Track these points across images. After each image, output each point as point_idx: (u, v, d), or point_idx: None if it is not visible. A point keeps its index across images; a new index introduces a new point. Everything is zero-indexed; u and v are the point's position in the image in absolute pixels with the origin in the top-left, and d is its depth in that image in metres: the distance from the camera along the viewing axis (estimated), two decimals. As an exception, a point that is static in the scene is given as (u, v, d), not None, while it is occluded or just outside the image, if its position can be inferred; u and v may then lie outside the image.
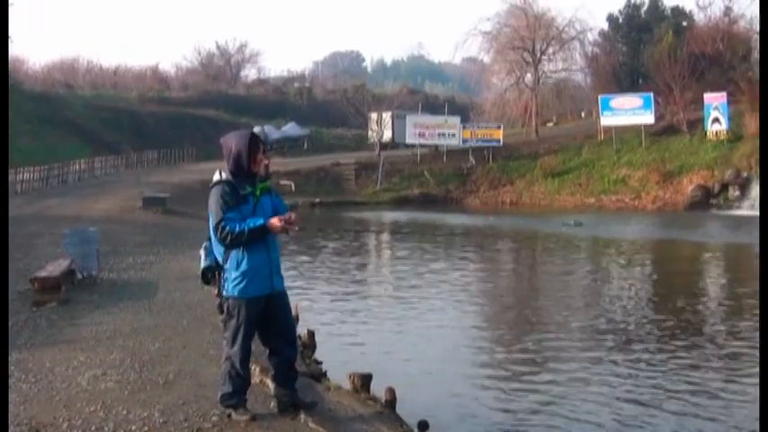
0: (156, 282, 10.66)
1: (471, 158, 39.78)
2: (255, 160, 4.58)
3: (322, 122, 58.15)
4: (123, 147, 43.19)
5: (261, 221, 4.50)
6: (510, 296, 13.40)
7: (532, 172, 37.91)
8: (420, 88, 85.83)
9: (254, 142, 4.61)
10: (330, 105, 61.81)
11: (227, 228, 4.46)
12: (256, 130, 46.34)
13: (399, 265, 16.66)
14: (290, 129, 49.88)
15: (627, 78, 44.37)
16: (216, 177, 4.64)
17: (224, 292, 4.63)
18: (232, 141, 4.59)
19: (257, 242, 4.54)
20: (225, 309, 4.65)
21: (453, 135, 40.55)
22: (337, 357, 8.21)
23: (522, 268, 17.32)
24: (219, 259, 4.64)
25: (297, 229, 4.61)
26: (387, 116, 44.66)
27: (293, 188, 34.06)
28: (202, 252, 4.71)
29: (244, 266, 4.56)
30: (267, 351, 4.90)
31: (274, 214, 4.64)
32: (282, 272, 4.80)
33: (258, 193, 4.63)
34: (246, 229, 4.47)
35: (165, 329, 7.61)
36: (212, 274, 4.65)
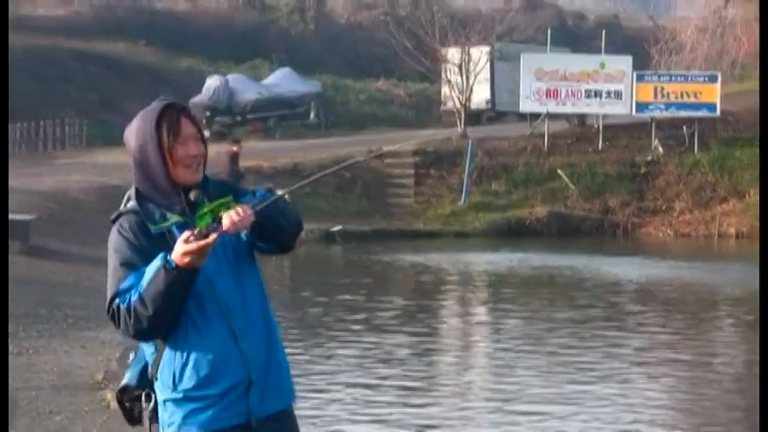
0: (14, 395, 10.51)
1: (657, 143, 39.89)
2: (174, 157, 4.71)
3: (346, 69, 58.34)
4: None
5: (157, 262, 4.54)
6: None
7: (787, 171, 37.44)
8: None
9: (170, 119, 4.76)
10: (362, 34, 62.01)
11: (122, 309, 4.59)
12: (212, 83, 46.80)
13: (505, 381, 15.81)
14: (281, 81, 50.27)
15: None
16: (122, 208, 4.84)
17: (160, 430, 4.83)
18: (132, 132, 4.81)
19: (201, 315, 4.71)
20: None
21: (618, 95, 40.61)
22: None
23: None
24: (152, 367, 4.85)
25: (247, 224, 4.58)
26: (480, 55, 44.68)
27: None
28: (131, 354, 4.93)
29: (188, 379, 4.71)
30: None
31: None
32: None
33: (202, 220, 4.61)
34: (140, 291, 4.54)
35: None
36: (136, 399, 4.85)
